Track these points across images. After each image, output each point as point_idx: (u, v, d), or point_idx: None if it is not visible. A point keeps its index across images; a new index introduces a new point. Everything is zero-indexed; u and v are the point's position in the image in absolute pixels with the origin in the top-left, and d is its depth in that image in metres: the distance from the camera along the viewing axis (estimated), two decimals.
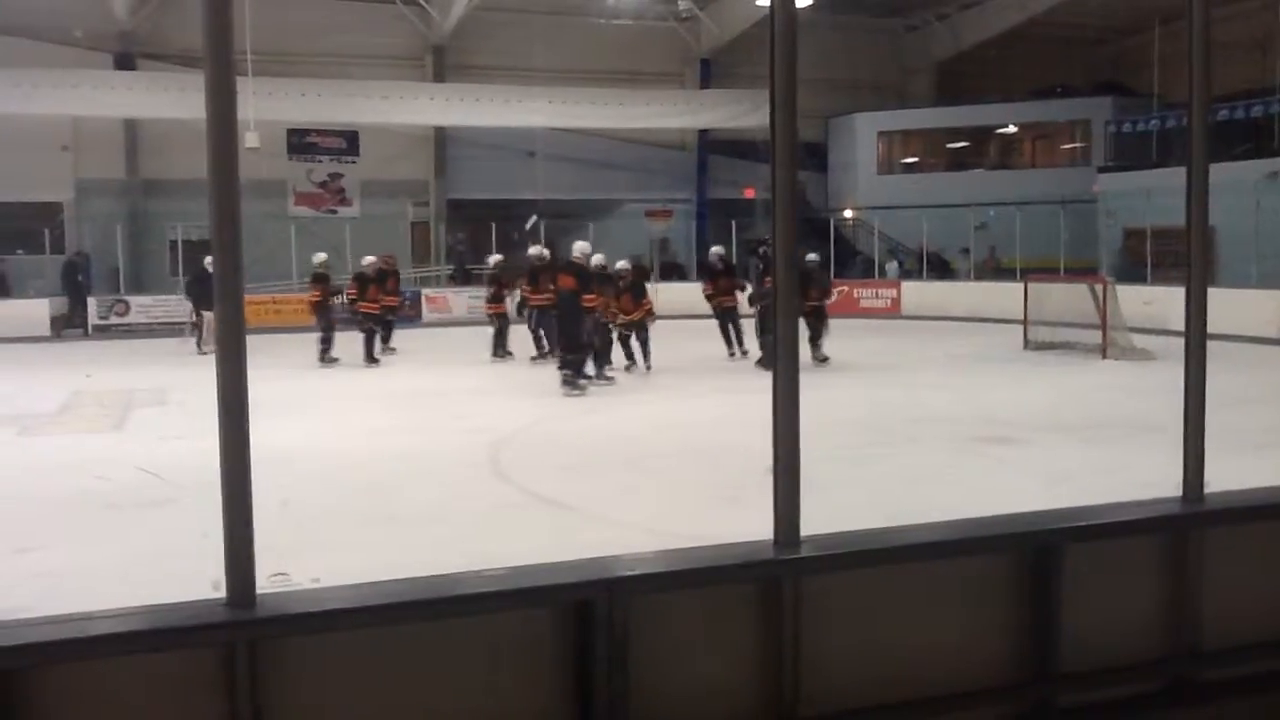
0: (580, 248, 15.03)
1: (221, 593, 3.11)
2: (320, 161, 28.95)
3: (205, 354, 17.65)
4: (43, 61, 24.56)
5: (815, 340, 15.84)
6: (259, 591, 3.14)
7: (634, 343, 15.94)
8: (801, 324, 15.23)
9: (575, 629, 3.40)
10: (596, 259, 15.25)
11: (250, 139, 21.66)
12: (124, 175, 27.08)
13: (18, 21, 24.74)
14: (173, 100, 23.39)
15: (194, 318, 19.24)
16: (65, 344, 21.91)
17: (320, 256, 18.55)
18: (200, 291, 18.35)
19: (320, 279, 17.90)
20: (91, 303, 23.62)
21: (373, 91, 27.02)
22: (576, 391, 13.72)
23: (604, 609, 3.35)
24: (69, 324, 22.95)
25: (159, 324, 23.59)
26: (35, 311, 23.21)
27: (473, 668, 3.34)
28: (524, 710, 3.40)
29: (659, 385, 14.79)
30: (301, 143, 28.56)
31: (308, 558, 5.70)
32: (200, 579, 3.31)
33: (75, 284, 23.26)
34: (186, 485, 8.38)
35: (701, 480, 8.83)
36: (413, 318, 25.06)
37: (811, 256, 17.12)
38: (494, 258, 19.26)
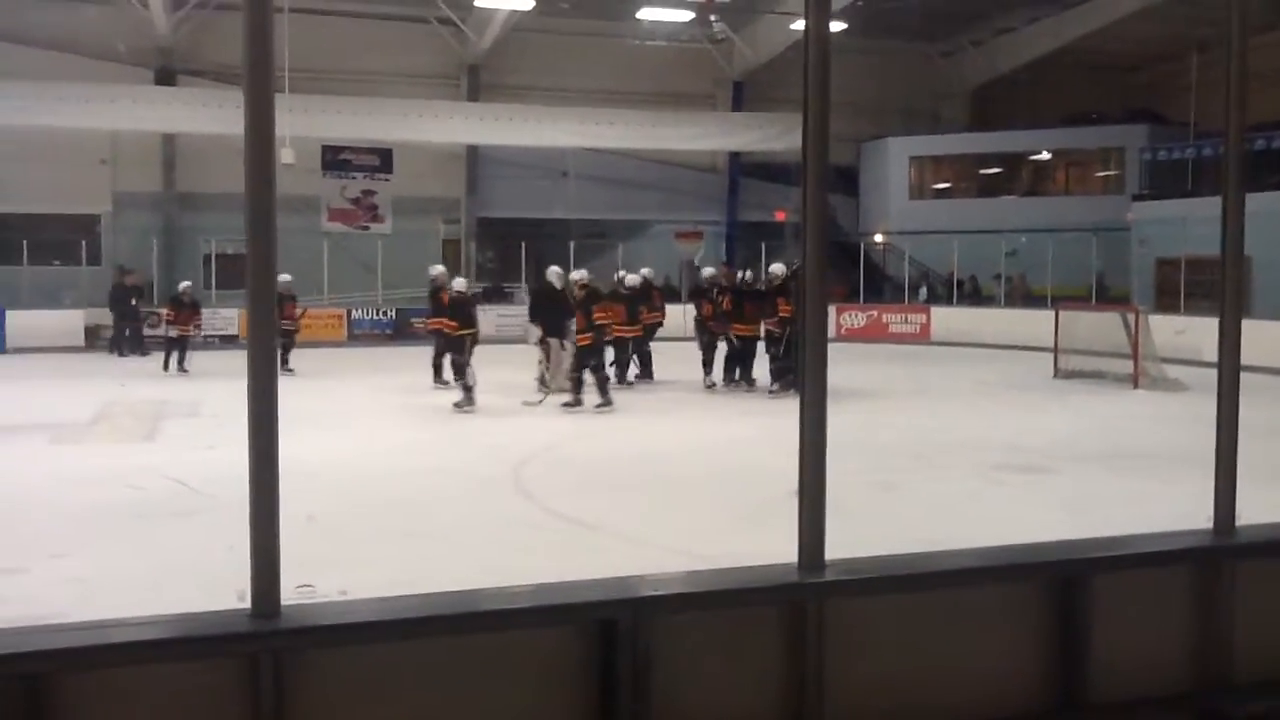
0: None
1: (247, 603, 3.13)
2: (354, 178, 29.20)
3: (544, 393, 14.62)
4: (84, 76, 24.95)
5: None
6: (284, 603, 3.16)
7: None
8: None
9: (598, 648, 3.40)
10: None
11: (285, 155, 21.86)
12: (160, 188, 27.41)
13: (60, 37, 25.19)
14: (211, 115, 23.68)
15: (539, 345, 15.47)
16: (99, 355, 22.13)
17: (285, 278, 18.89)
18: (546, 313, 15.18)
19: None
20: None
21: (407, 109, 27.24)
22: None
23: (627, 628, 3.35)
24: (118, 350, 22.12)
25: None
26: (71, 322, 23.49)
27: (495, 684, 3.34)
28: None
29: (685, 406, 14.77)
30: (335, 159, 28.83)
31: (333, 570, 5.72)
32: (227, 589, 3.34)
33: (129, 308, 22.62)
34: (216, 496, 8.45)
35: (727, 501, 8.80)
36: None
37: (777, 267, 16.20)
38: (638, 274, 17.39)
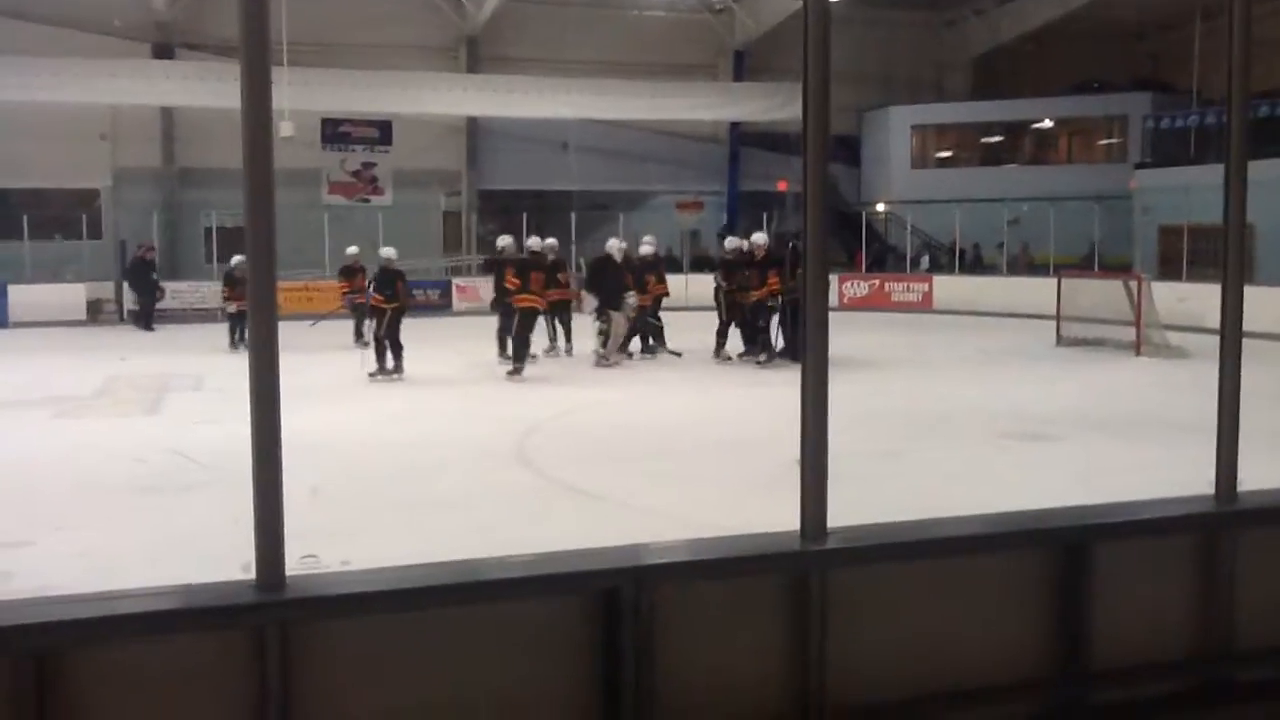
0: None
1: (252, 575, 3.15)
2: (353, 151, 29.11)
3: (604, 363, 15.31)
4: (82, 51, 24.82)
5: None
6: (288, 574, 3.17)
7: (556, 324, 16.27)
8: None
9: (602, 617, 3.41)
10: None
11: (285, 128, 21.78)
12: (160, 163, 27.35)
13: (58, 11, 25.09)
14: (209, 89, 23.57)
15: (597, 316, 15.54)
16: (102, 329, 22.16)
17: (352, 250, 18.95)
18: (604, 285, 15.33)
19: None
20: (126, 289, 23.72)
21: (406, 82, 27.11)
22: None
23: (631, 597, 3.36)
24: (140, 323, 21.95)
25: (193, 310, 23.80)
26: (73, 297, 23.49)
27: (500, 653, 3.36)
28: (550, 697, 3.41)
29: (690, 377, 14.77)
30: (335, 132, 28.72)
31: (337, 542, 5.75)
32: (232, 561, 3.36)
33: (149, 282, 22.39)
34: (219, 469, 8.47)
35: (732, 471, 8.82)
36: (444, 307, 25.24)
37: (758, 237, 16.17)
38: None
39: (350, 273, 18.90)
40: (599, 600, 3.42)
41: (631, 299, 15.52)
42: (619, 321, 15.42)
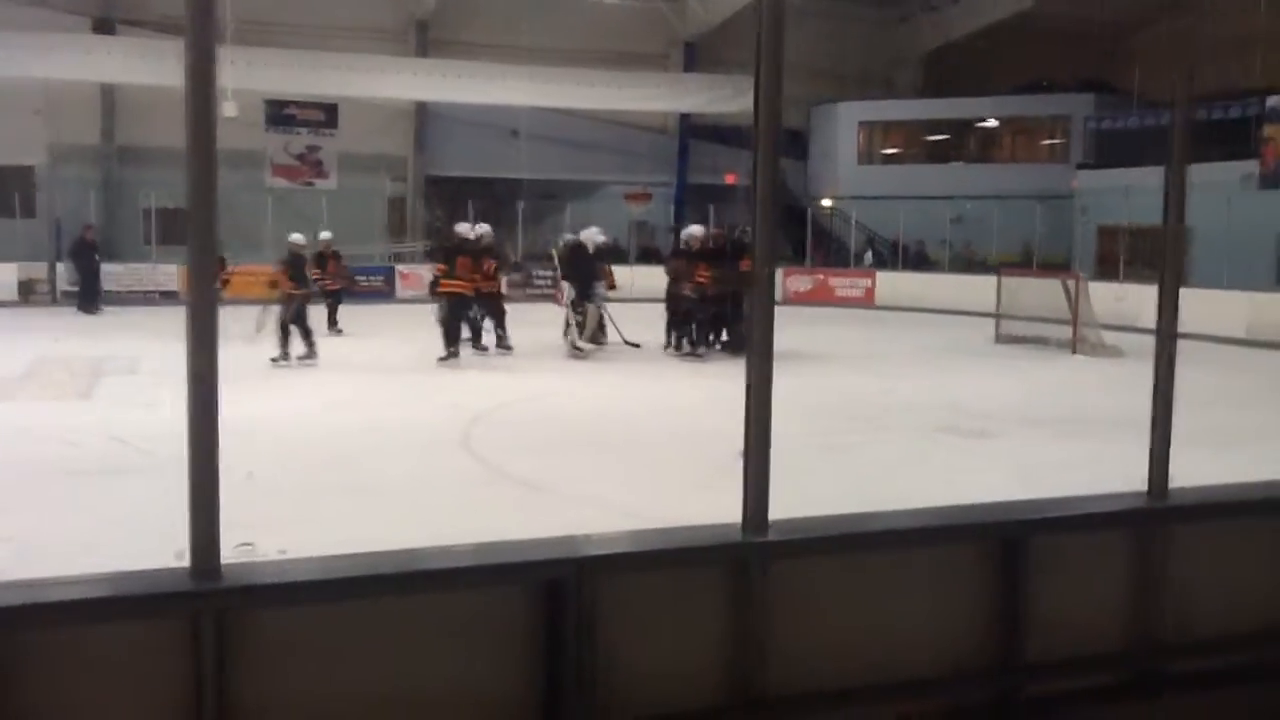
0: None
1: (186, 562, 3.09)
2: (298, 133, 28.74)
3: (578, 353, 15.15)
4: (18, 24, 24.22)
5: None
6: (224, 562, 3.12)
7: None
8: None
9: (544, 607, 3.40)
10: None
11: (228, 108, 21.45)
12: (99, 141, 26.79)
13: None
14: (150, 67, 23.14)
15: (572, 306, 15.44)
16: (33, 310, 21.70)
17: (325, 235, 18.43)
18: (579, 274, 15.32)
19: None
20: (60, 269, 23.23)
21: (354, 64, 26.82)
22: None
23: (572, 588, 3.35)
24: (83, 308, 21.50)
25: (130, 292, 23.37)
26: (4, 276, 22.96)
27: (440, 644, 3.33)
28: (491, 687, 3.40)
29: (639, 369, 14.76)
30: (280, 114, 28.33)
31: (274, 529, 5.68)
32: (165, 548, 3.30)
33: (91, 266, 22.03)
34: (154, 454, 8.32)
35: (679, 464, 8.84)
36: (387, 293, 25.05)
37: (696, 229, 16.44)
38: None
39: (321, 259, 18.51)
40: (541, 590, 3.40)
41: (601, 289, 15.48)
42: (592, 312, 15.37)
